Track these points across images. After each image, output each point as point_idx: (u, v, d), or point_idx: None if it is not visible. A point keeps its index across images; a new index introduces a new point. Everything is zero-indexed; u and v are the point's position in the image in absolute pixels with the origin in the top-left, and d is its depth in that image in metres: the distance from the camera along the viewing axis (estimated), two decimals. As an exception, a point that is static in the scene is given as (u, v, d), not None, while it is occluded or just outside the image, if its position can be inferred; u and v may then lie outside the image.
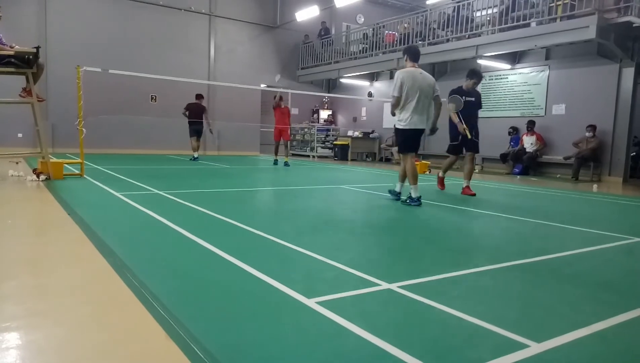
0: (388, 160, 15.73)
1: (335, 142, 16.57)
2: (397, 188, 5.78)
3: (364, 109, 17.60)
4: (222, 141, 16.28)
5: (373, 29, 15.57)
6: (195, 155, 12.20)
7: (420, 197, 5.38)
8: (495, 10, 11.50)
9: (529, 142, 11.46)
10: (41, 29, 12.97)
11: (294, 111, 18.26)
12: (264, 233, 3.49)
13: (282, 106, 11.47)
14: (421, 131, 5.55)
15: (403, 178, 5.70)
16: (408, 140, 5.53)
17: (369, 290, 2.29)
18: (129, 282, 2.30)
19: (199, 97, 12.26)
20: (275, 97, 11.33)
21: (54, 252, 3.00)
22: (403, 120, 5.44)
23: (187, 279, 2.41)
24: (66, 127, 12.15)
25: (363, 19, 18.85)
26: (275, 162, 11.82)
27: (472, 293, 2.36)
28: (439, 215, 4.99)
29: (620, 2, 9.34)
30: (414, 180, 5.41)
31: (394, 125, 5.87)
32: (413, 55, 5.64)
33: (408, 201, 5.40)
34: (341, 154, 15.94)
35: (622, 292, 2.51)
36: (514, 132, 12.04)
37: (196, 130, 12.14)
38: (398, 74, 5.41)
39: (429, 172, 10.87)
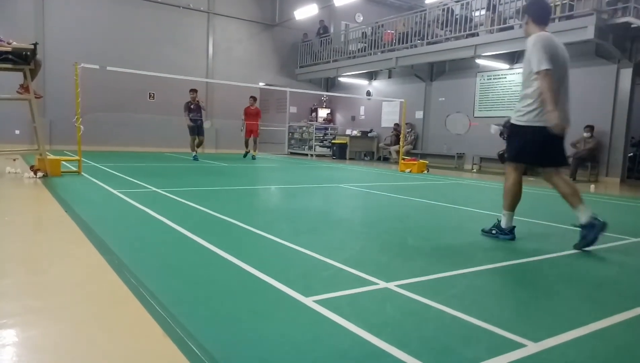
0: (386, 159, 15.73)
1: (333, 141, 16.57)
2: (581, 218, 3.40)
3: (362, 108, 17.60)
4: (219, 139, 16.26)
5: (372, 28, 15.56)
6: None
7: (503, 232, 3.66)
8: (485, 11, 11.55)
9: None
10: (39, 26, 12.92)
11: (293, 110, 18.26)
12: (262, 232, 3.49)
13: (253, 107, 12.69)
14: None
15: (576, 200, 3.48)
16: (522, 144, 3.55)
17: (367, 289, 2.29)
18: (126, 279, 2.29)
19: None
20: (250, 99, 12.81)
21: (51, 250, 3.00)
22: (529, 112, 3.44)
23: (184, 277, 2.41)
24: (64, 124, 12.12)
25: (362, 18, 18.83)
26: (245, 155, 13.19)
27: (469, 293, 2.36)
28: (437, 214, 4.99)
29: (618, 2, 9.36)
30: (507, 204, 3.70)
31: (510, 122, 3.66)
32: (541, 13, 3.60)
33: (494, 231, 3.71)
34: (339, 152, 15.94)
35: (618, 291, 2.52)
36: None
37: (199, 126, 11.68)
38: (536, 39, 3.39)
39: (427, 172, 10.88)
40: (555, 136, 3.38)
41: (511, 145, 3.70)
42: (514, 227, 3.67)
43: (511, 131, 3.64)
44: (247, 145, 13.16)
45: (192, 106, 11.42)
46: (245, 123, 12.73)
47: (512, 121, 3.60)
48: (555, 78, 3.32)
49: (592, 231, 3.32)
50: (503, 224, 3.67)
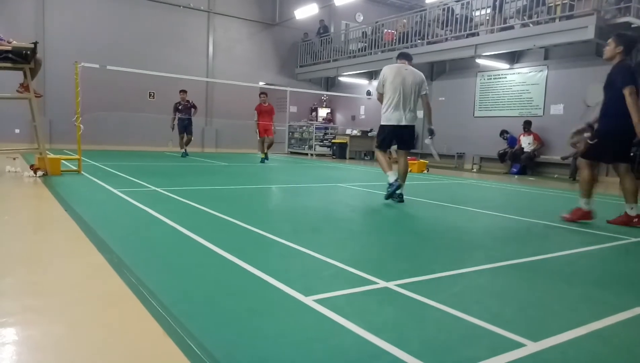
0: (386, 159, 15.72)
1: (333, 141, 16.56)
2: (390, 179, 5.37)
3: (362, 108, 17.60)
4: (220, 139, 16.27)
5: (372, 28, 15.56)
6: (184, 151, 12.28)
7: (392, 184, 5.26)
8: (489, 10, 11.55)
9: (526, 142, 11.49)
10: (39, 25, 12.92)
11: (293, 109, 18.25)
12: (262, 231, 3.49)
13: (266, 104, 11.51)
14: (401, 128, 5.31)
15: (401, 176, 5.45)
16: (380, 136, 5.49)
17: (367, 289, 2.29)
18: (126, 278, 2.29)
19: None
20: (260, 95, 11.73)
21: (50, 249, 3.00)
22: (382, 115, 5.41)
23: (184, 276, 2.41)
24: (64, 123, 12.11)
25: (362, 18, 18.83)
26: (262, 160, 11.55)
27: (469, 292, 2.36)
28: (437, 214, 4.99)
29: (619, 2, 9.36)
30: (384, 168, 5.39)
31: None
32: (402, 55, 5.62)
33: (389, 188, 5.38)
34: (339, 152, 15.93)
35: (618, 291, 2.52)
36: (507, 133, 12.06)
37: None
38: (382, 70, 5.44)
39: (427, 171, 10.88)
40: (400, 130, 5.32)
41: (378, 138, 5.58)
42: (396, 180, 5.27)
43: (379, 129, 5.53)
44: (262, 147, 11.76)
45: (180, 107, 11.88)
46: (259, 123, 11.46)
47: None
48: (396, 92, 5.23)
49: (393, 187, 5.25)
50: (390, 181, 5.29)
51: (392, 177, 5.29)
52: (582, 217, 4.54)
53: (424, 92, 5.38)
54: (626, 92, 4.15)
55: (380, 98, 5.42)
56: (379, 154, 5.55)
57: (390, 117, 5.30)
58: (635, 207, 4.48)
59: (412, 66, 5.45)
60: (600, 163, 4.81)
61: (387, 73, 5.34)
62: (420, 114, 5.70)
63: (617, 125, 4.30)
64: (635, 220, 4.46)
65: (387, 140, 5.45)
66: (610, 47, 4.47)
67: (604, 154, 4.50)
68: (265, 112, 11.44)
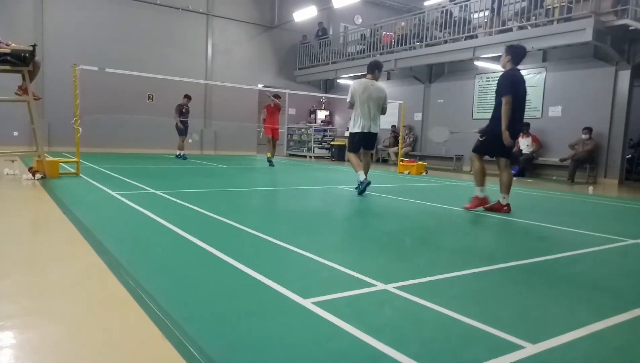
0: (385, 161, 15.74)
1: (332, 143, 16.57)
2: (360, 178, 6.26)
3: (361, 110, 17.58)
4: (218, 141, 16.26)
5: (371, 30, 15.59)
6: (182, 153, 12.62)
7: (362, 183, 6.16)
8: (488, 12, 11.59)
9: (524, 144, 11.50)
10: (38, 27, 12.92)
11: (291, 111, 18.25)
12: (260, 233, 3.49)
13: (275, 104, 11.16)
14: (368, 134, 6.34)
15: (365, 171, 6.47)
16: (353, 142, 6.49)
17: (365, 291, 2.29)
18: (124, 281, 2.29)
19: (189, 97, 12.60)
20: (271, 96, 11.26)
21: (49, 251, 2.99)
22: (352, 124, 6.41)
23: (182, 278, 2.41)
24: (62, 126, 12.11)
25: (361, 20, 18.86)
26: (269, 160, 11.25)
27: (467, 294, 2.36)
28: (435, 216, 5.00)
29: (617, 5, 9.39)
30: (356, 169, 6.33)
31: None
32: (369, 67, 6.48)
33: (356, 187, 6.31)
34: (338, 154, 15.94)
35: (617, 293, 2.52)
36: None
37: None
38: (352, 84, 6.42)
39: (426, 173, 10.89)
40: (367, 136, 6.33)
41: (350, 143, 6.61)
42: (365, 179, 6.16)
43: (350, 135, 6.58)
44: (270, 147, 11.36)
45: (184, 110, 12.40)
46: (266, 126, 11.16)
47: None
48: (364, 105, 6.22)
49: (363, 184, 6.09)
50: (360, 179, 6.17)
51: (362, 176, 6.20)
52: (480, 204, 5.23)
53: (385, 106, 6.46)
54: (503, 100, 4.97)
55: (352, 107, 6.39)
56: (351, 156, 6.47)
57: (359, 125, 6.29)
58: (506, 197, 5.26)
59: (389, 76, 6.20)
60: (484, 156, 5.55)
61: (356, 88, 6.26)
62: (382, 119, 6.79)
63: (499, 127, 5.02)
64: (505, 208, 5.18)
65: (358, 144, 6.44)
66: (502, 57, 5.26)
67: (489, 149, 5.35)
68: (272, 112, 11.17)
